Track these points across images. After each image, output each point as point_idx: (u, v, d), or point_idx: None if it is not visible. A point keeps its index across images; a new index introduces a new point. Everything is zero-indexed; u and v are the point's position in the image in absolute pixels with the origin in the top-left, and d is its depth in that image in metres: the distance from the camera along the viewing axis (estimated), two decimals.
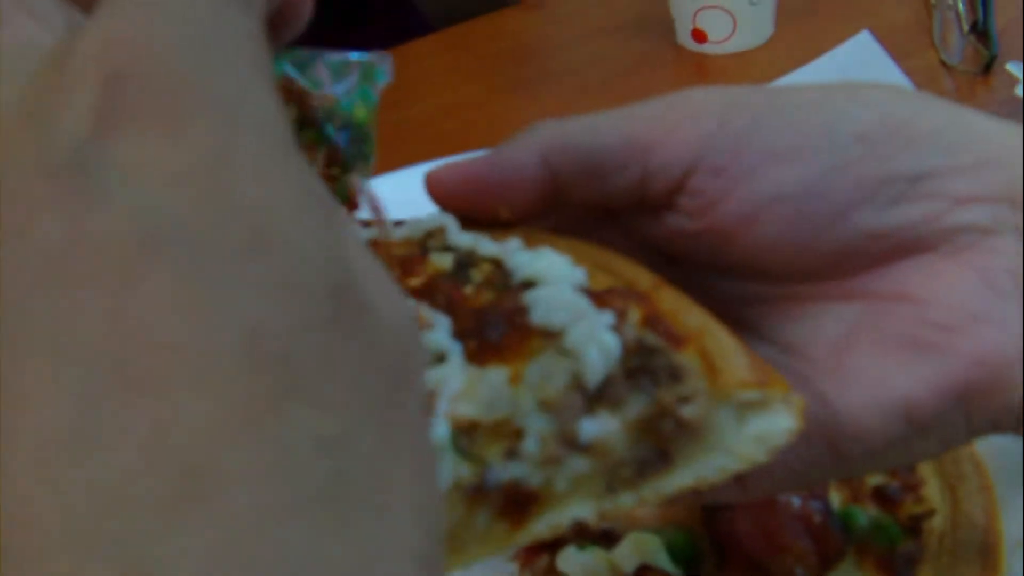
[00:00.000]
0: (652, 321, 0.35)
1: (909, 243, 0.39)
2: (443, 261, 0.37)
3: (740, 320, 0.42)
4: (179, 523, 0.20)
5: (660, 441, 0.34)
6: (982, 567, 0.51)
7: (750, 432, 0.35)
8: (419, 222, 0.39)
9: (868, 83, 0.41)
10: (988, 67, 0.92)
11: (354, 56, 0.34)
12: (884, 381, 0.38)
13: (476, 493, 0.33)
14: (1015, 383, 0.37)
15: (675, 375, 0.34)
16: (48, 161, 0.22)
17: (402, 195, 0.71)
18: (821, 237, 0.39)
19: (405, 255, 0.38)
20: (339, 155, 0.35)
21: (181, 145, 0.22)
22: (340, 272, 0.23)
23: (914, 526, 0.53)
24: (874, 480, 0.55)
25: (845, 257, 0.39)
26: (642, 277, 0.38)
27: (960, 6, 0.96)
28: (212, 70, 0.23)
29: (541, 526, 0.35)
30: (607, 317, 0.34)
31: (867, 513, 0.54)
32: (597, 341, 0.33)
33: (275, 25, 0.29)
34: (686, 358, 0.34)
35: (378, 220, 0.40)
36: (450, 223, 0.39)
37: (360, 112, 0.35)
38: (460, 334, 0.34)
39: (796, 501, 0.53)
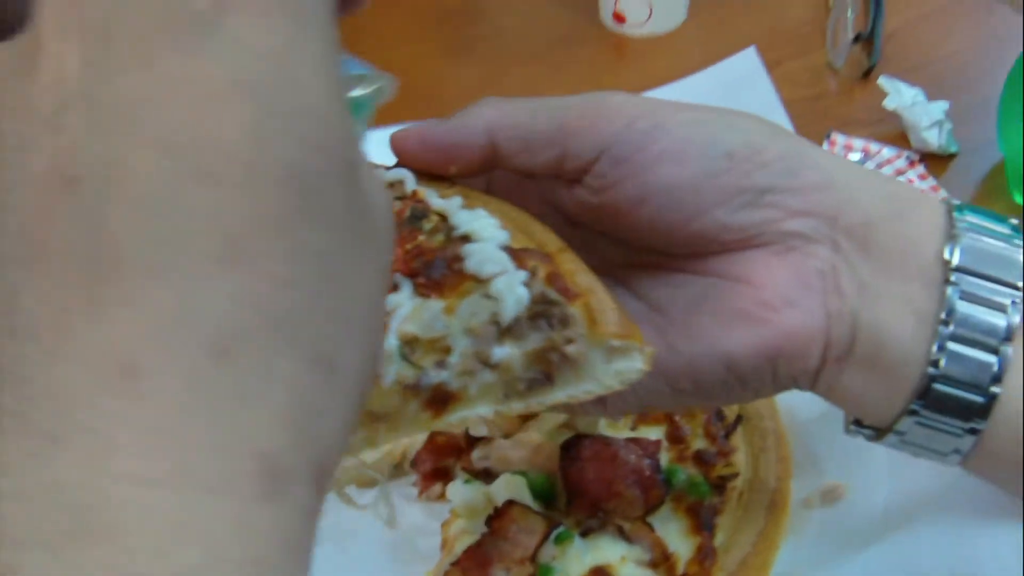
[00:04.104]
0: (553, 278, 0.47)
1: (751, 239, 0.50)
2: (401, 211, 0.48)
3: (620, 278, 0.54)
4: (222, 273, 0.27)
5: (547, 367, 0.47)
6: (766, 520, 0.66)
7: (612, 368, 0.47)
8: (383, 172, 0.50)
9: (740, 112, 0.52)
10: (866, 74, 1.05)
11: (369, 75, 0.44)
12: (717, 340, 0.50)
13: (412, 389, 0.45)
14: (811, 353, 0.50)
15: (565, 322, 0.46)
16: (179, 20, 0.27)
17: None
18: (688, 224, 0.50)
19: None
20: None
21: (270, 31, 0.28)
22: (352, 155, 0.30)
23: (721, 484, 0.68)
24: (697, 445, 0.70)
25: (703, 242, 0.51)
26: (550, 241, 0.49)
27: (850, 14, 1.09)
28: None
29: (454, 418, 0.47)
30: (522, 274, 0.46)
31: (686, 471, 0.69)
32: (514, 292, 0.45)
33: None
34: (575, 309, 0.46)
35: None
36: (408, 176, 0.50)
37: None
38: (411, 274, 0.46)
39: (632, 458, 0.68)
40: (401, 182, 0.50)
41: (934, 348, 0.48)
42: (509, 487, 0.67)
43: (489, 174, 0.54)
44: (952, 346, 0.48)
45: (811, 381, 0.52)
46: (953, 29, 1.11)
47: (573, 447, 0.68)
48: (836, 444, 0.71)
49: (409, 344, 0.45)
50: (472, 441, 0.70)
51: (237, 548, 0.26)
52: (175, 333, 0.26)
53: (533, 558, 0.63)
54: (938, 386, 0.49)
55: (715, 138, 0.50)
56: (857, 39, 1.06)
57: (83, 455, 0.25)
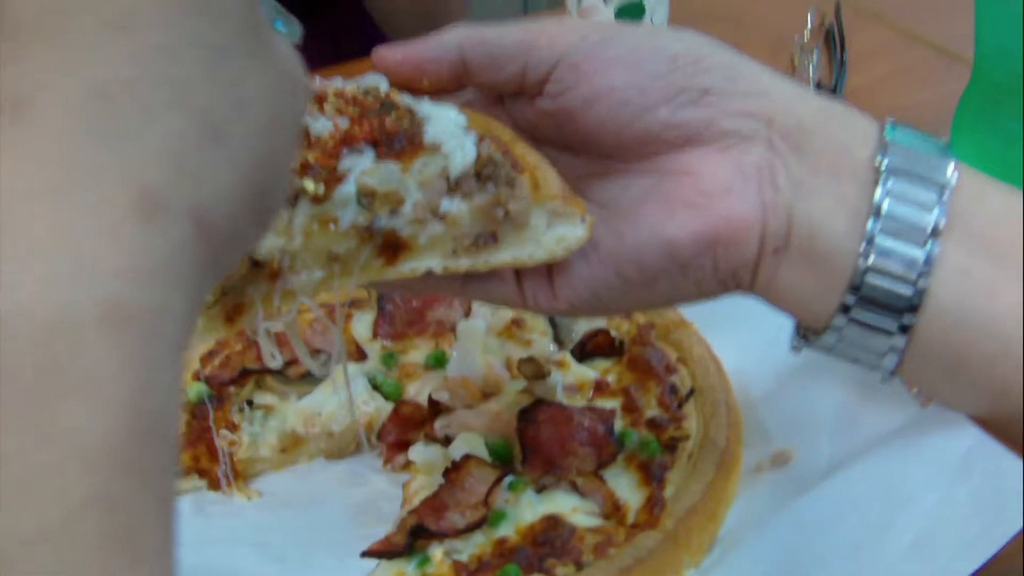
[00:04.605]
0: (504, 151, 0.51)
1: (692, 137, 0.54)
2: (373, 103, 0.52)
3: (577, 188, 0.56)
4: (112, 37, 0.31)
5: (493, 225, 0.50)
6: (715, 475, 0.68)
7: (555, 233, 0.51)
8: (360, 80, 0.54)
9: (687, 29, 0.57)
10: None
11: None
12: (660, 225, 0.53)
13: (366, 232, 0.49)
14: (748, 241, 0.53)
15: (510, 183, 0.50)
16: None
17: None
18: (635, 121, 0.54)
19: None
20: None
21: None
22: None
23: (672, 445, 0.70)
24: (650, 414, 0.73)
25: (649, 139, 0.54)
26: (506, 132, 0.54)
27: (812, 72, 1.15)
28: None
29: (404, 268, 0.50)
30: (472, 135, 0.50)
31: (639, 434, 0.71)
32: (462, 147, 0.49)
33: None
34: (521, 177, 0.50)
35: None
36: (382, 81, 0.54)
37: None
38: (373, 143, 0.49)
39: (587, 422, 0.71)
40: (376, 87, 0.54)
41: (864, 242, 0.51)
42: (467, 444, 0.70)
43: (460, 93, 0.58)
44: (880, 240, 0.51)
45: (751, 276, 0.54)
46: (913, 87, 1.17)
47: (531, 411, 0.71)
48: (785, 416, 0.74)
49: (367, 195, 0.49)
50: (435, 410, 0.73)
51: (106, 260, 0.28)
52: (64, 77, 0.30)
53: (486, 502, 0.65)
54: (869, 278, 0.51)
55: (662, 45, 0.55)
56: (819, 86, 1.12)
57: None
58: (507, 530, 0.65)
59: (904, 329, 0.52)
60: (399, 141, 0.50)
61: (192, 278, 0.31)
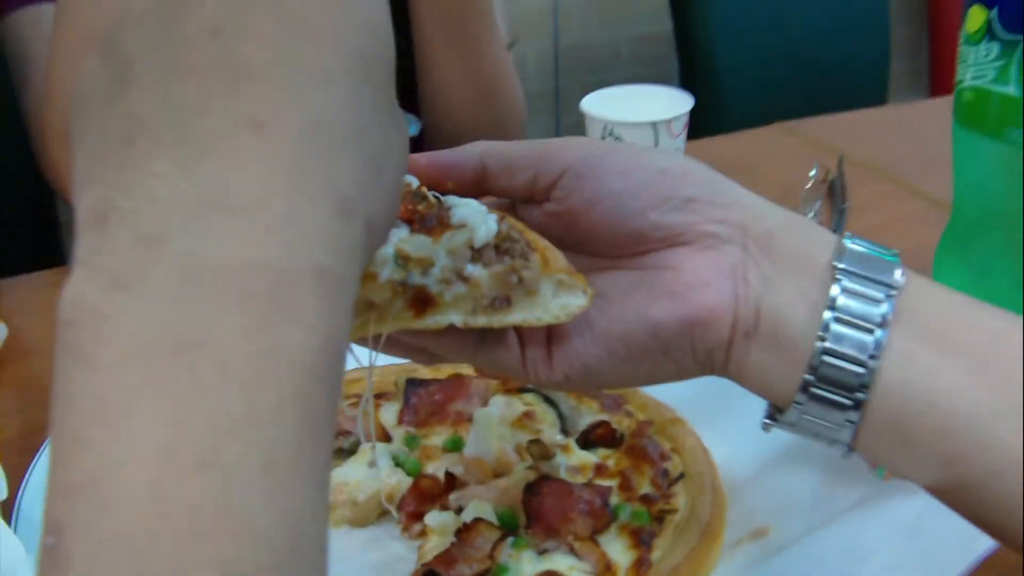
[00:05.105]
0: (519, 232, 0.60)
1: (677, 237, 0.62)
2: (407, 193, 0.62)
3: None
4: (321, 87, 0.42)
5: (508, 290, 0.59)
6: (698, 542, 0.76)
7: (559, 301, 0.60)
8: None
9: (675, 152, 0.67)
10: None
11: None
12: (646, 309, 0.61)
13: (400, 286, 0.58)
14: (722, 326, 0.60)
15: (524, 256, 0.59)
16: None
17: None
18: (628, 222, 0.63)
19: None
20: None
21: None
22: (390, 59, 0.46)
23: (661, 517, 0.78)
24: (644, 490, 0.81)
25: (639, 239, 0.63)
26: (519, 224, 0.62)
27: (812, 215, 1.26)
28: None
29: (430, 320, 0.59)
30: (494, 215, 0.60)
31: (631, 507, 0.79)
32: (486, 222, 0.59)
33: None
34: (534, 254, 0.59)
35: None
36: (414, 180, 0.64)
37: None
38: (408, 222, 0.59)
39: (586, 495, 0.79)
40: (408, 183, 0.64)
41: (820, 329, 0.59)
42: (477, 510, 0.78)
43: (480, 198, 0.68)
44: (835, 327, 0.59)
45: (724, 357, 0.62)
46: (907, 233, 1.26)
47: (536, 485, 0.79)
48: (766, 499, 0.81)
49: (403, 259, 0.58)
50: (451, 483, 0.81)
51: (319, 238, 0.40)
52: (290, 109, 0.42)
53: (491, 556, 0.73)
54: (825, 359, 0.59)
55: (654, 160, 0.65)
56: None
57: (221, 165, 0.40)
58: None
59: (858, 405, 0.58)
60: (430, 220, 0.60)
61: (358, 265, 0.43)
